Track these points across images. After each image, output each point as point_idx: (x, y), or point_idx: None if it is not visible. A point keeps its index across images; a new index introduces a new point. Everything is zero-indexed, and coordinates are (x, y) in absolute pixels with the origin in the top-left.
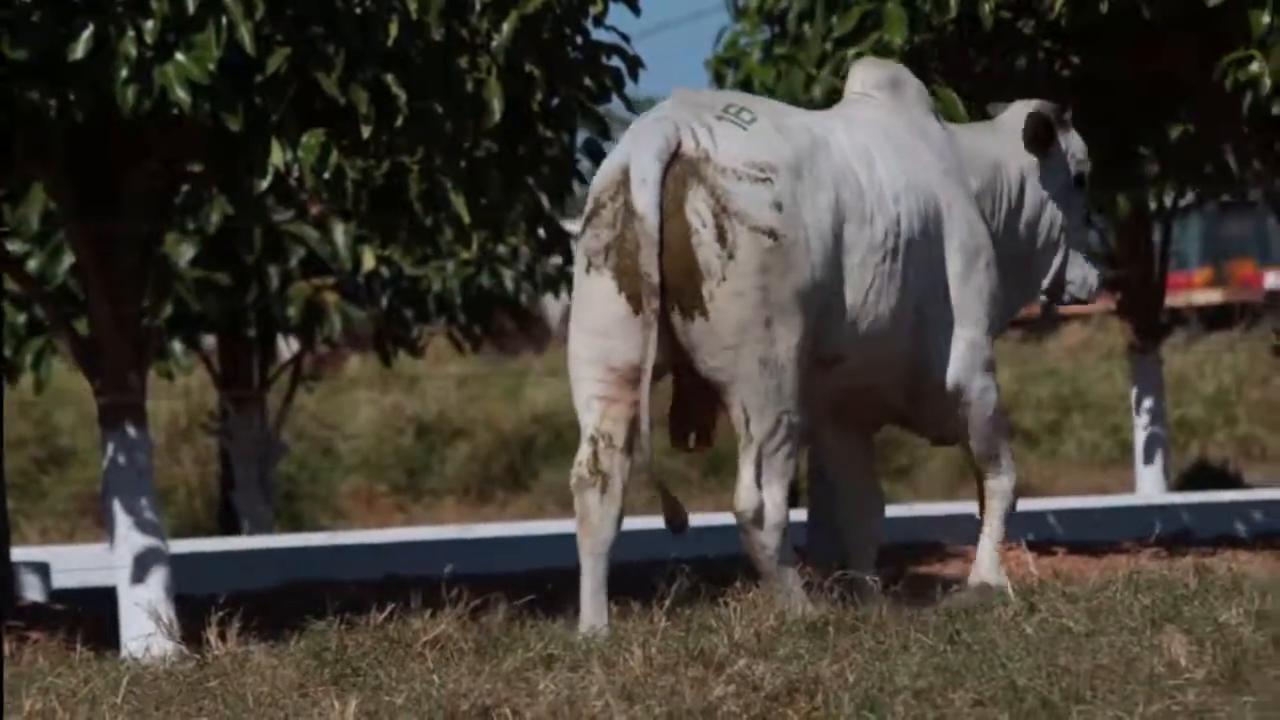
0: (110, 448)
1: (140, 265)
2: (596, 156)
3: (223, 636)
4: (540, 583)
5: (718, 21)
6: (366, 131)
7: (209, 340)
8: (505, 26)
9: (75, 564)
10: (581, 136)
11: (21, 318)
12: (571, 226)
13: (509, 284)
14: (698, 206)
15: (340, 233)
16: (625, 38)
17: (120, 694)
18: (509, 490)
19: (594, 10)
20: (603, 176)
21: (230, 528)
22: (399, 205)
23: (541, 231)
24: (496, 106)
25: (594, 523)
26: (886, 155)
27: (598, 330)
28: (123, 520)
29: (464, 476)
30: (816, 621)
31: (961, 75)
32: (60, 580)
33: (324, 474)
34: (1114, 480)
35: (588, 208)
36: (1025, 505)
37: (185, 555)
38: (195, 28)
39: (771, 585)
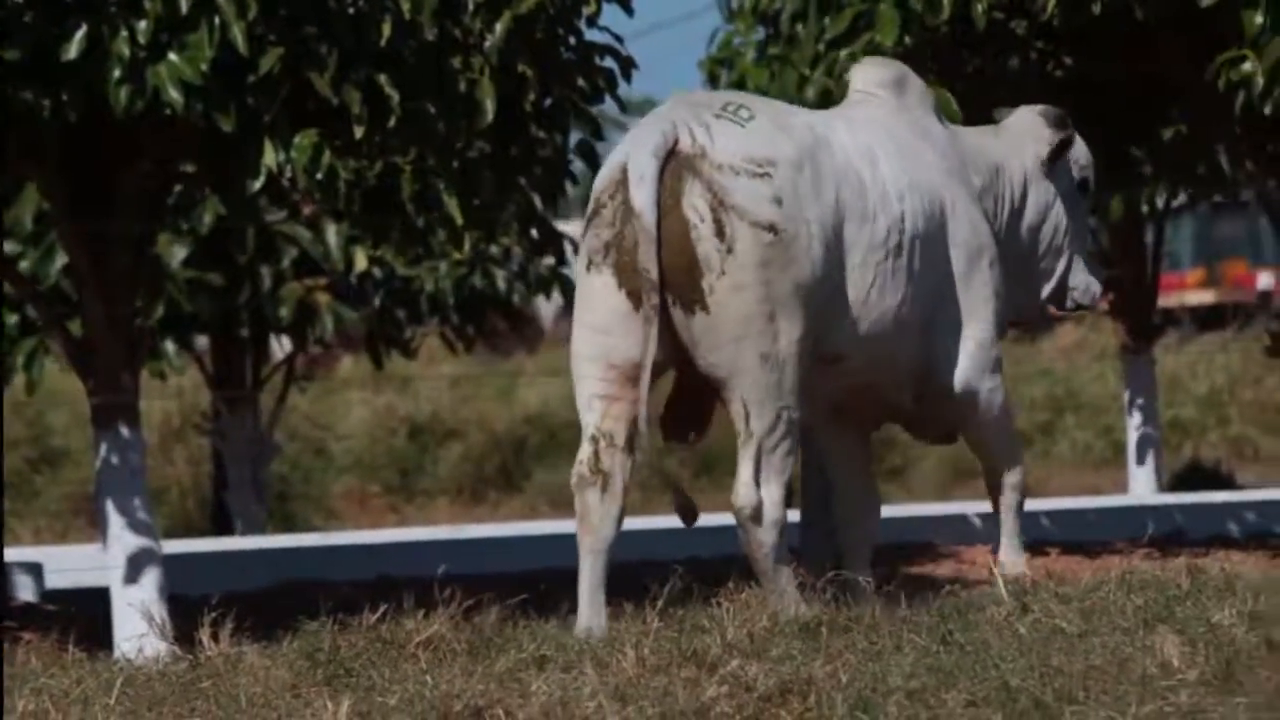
0: (103, 448)
1: (133, 265)
2: (589, 157)
3: (215, 637)
4: (533, 583)
5: (710, 22)
6: (359, 132)
7: (202, 341)
8: (498, 27)
9: (68, 564)
10: (574, 137)
11: (13, 318)
12: (564, 227)
13: (501, 284)
14: (694, 202)
15: (333, 233)
16: (618, 38)
17: (113, 695)
18: (502, 491)
19: (587, 11)
20: (603, 177)
21: (223, 528)
22: (391, 206)
23: (534, 232)
24: (489, 107)
25: (594, 521)
26: (890, 154)
27: (598, 327)
28: (115, 520)
29: (457, 477)
30: (809, 622)
31: (955, 76)
32: (53, 581)
33: (317, 474)
34: (1107, 481)
35: (589, 208)
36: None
37: (178, 555)
38: (188, 28)
39: (766, 583)
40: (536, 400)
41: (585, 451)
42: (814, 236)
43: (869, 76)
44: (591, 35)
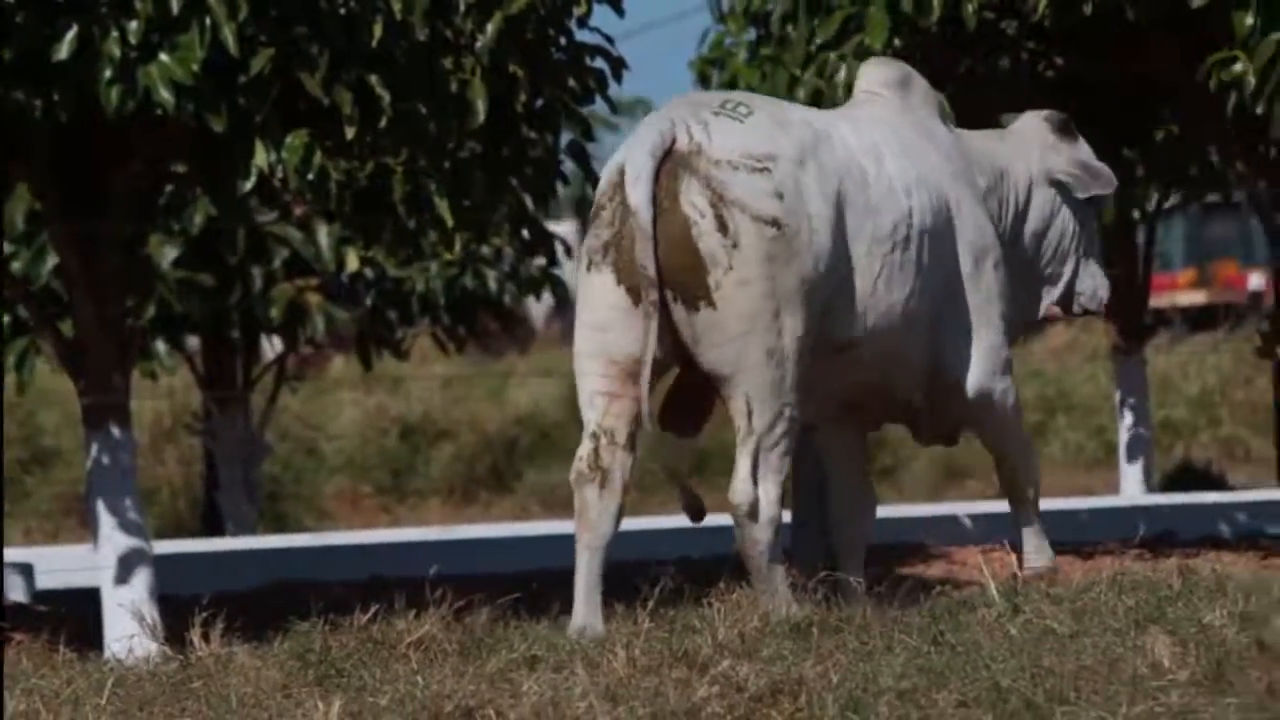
0: (94, 448)
1: (124, 266)
2: (580, 158)
3: (206, 637)
4: (525, 584)
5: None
6: (350, 132)
7: (193, 341)
8: (489, 27)
9: (59, 565)
10: (565, 138)
11: (5, 319)
12: (554, 228)
13: (493, 285)
14: (693, 198)
15: (324, 234)
16: (609, 39)
17: (104, 695)
18: (493, 491)
19: (578, 11)
20: (603, 178)
21: (214, 528)
22: (383, 206)
23: (525, 233)
24: (480, 107)
25: (592, 518)
26: (895, 152)
27: (598, 325)
28: (106, 521)
29: (448, 477)
30: (800, 622)
31: (945, 77)
32: (44, 581)
33: (308, 475)
34: (1098, 481)
35: (591, 210)
36: (1008, 505)
37: (169, 556)
38: (179, 28)
39: (759, 582)
40: (528, 401)
41: (585, 448)
42: (816, 231)
43: (873, 77)
44: (582, 36)
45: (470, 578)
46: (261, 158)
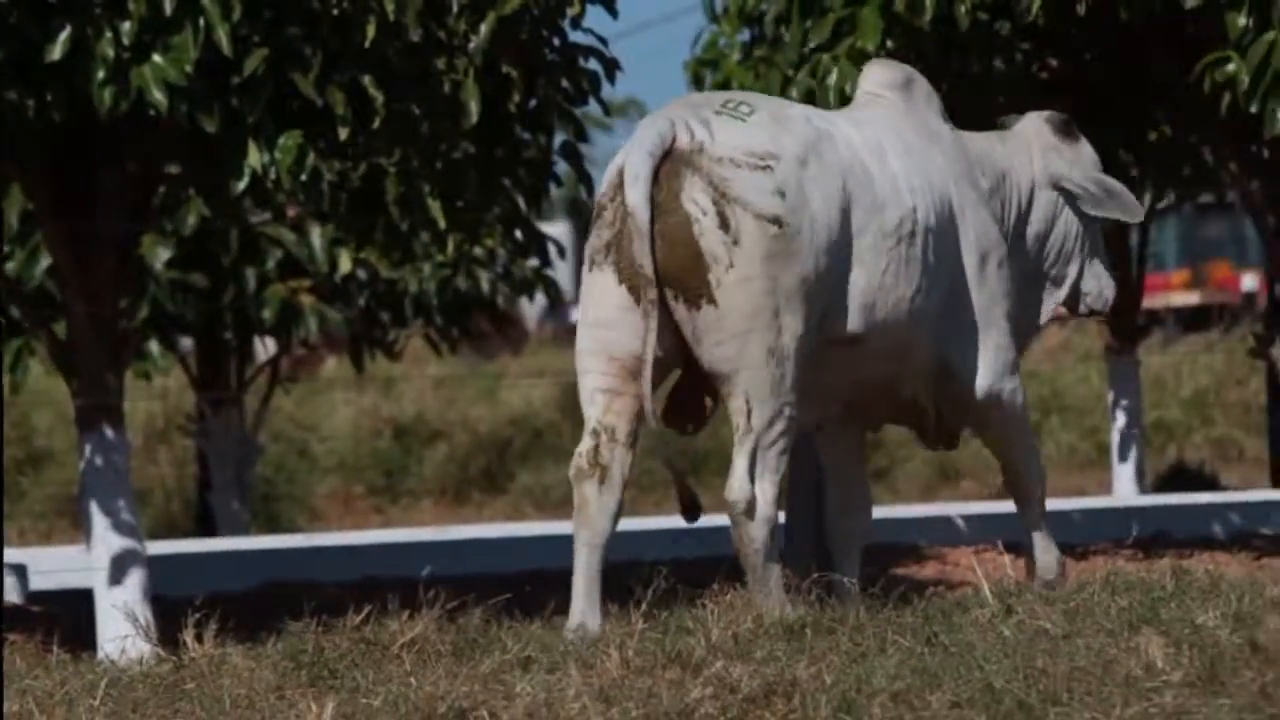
0: (87, 449)
1: (117, 266)
2: (573, 159)
3: (199, 638)
4: (518, 584)
5: (694, 23)
6: (344, 133)
7: (186, 342)
8: (483, 28)
9: (52, 565)
10: (559, 139)
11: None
12: (548, 229)
13: (485, 286)
14: (695, 196)
15: (317, 235)
16: (602, 40)
17: (97, 696)
18: (486, 492)
19: (571, 12)
20: (605, 179)
21: (207, 529)
22: (376, 207)
23: (518, 233)
24: (474, 108)
25: (591, 514)
26: (899, 152)
27: (600, 323)
28: (100, 522)
29: (441, 478)
30: (794, 623)
31: (939, 78)
32: (37, 582)
33: (301, 475)
34: (1091, 482)
35: (594, 210)
36: (1001, 507)
37: (162, 557)
38: (172, 29)
39: (754, 581)
40: (520, 401)
41: (585, 444)
42: (818, 231)
43: (876, 78)
44: (575, 37)
45: (463, 578)
46: (255, 158)
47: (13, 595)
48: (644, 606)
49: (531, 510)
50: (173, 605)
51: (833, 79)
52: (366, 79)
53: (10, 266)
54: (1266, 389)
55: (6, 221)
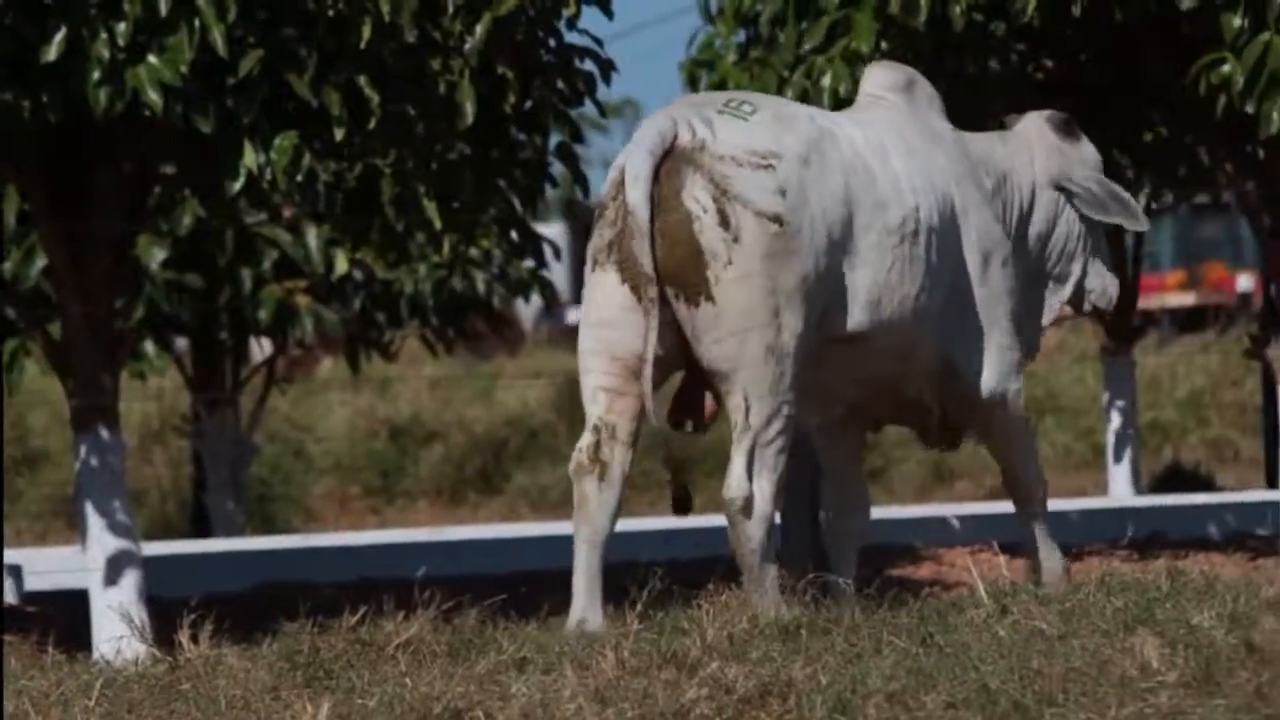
0: (83, 450)
1: (113, 267)
2: (569, 160)
3: (195, 639)
4: (513, 585)
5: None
6: (339, 134)
7: (181, 342)
8: (478, 29)
9: (47, 566)
10: (554, 140)
11: None
12: (544, 229)
13: (481, 287)
14: (696, 194)
15: (313, 236)
16: (598, 41)
17: (92, 697)
18: (481, 493)
19: (567, 13)
20: (608, 179)
21: (203, 530)
22: (371, 208)
23: (514, 234)
24: (469, 109)
25: (590, 511)
26: (901, 152)
27: (602, 322)
28: (95, 522)
29: (437, 479)
30: (789, 624)
31: (935, 79)
32: (32, 583)
33: (297, 476)
34: (1086, 482)
35: (596, 210)
36: (996, 507)
37: (158, 557)
38: (167, 30)
39: (750, 579)
40: (516, 402)
41: (586, 440)
42: (819, 230)
43: (878, 80)
44: (571, 38)
45: (459, 579)
46: (250, 159)
47: (8, 596)
48: (639, 607)
49: (527, 511)
50: (168, 606)
51: (827, 81)
52: (362, 80)
53: (6, 267)
54: (1262, 390)
55: (2, 222)
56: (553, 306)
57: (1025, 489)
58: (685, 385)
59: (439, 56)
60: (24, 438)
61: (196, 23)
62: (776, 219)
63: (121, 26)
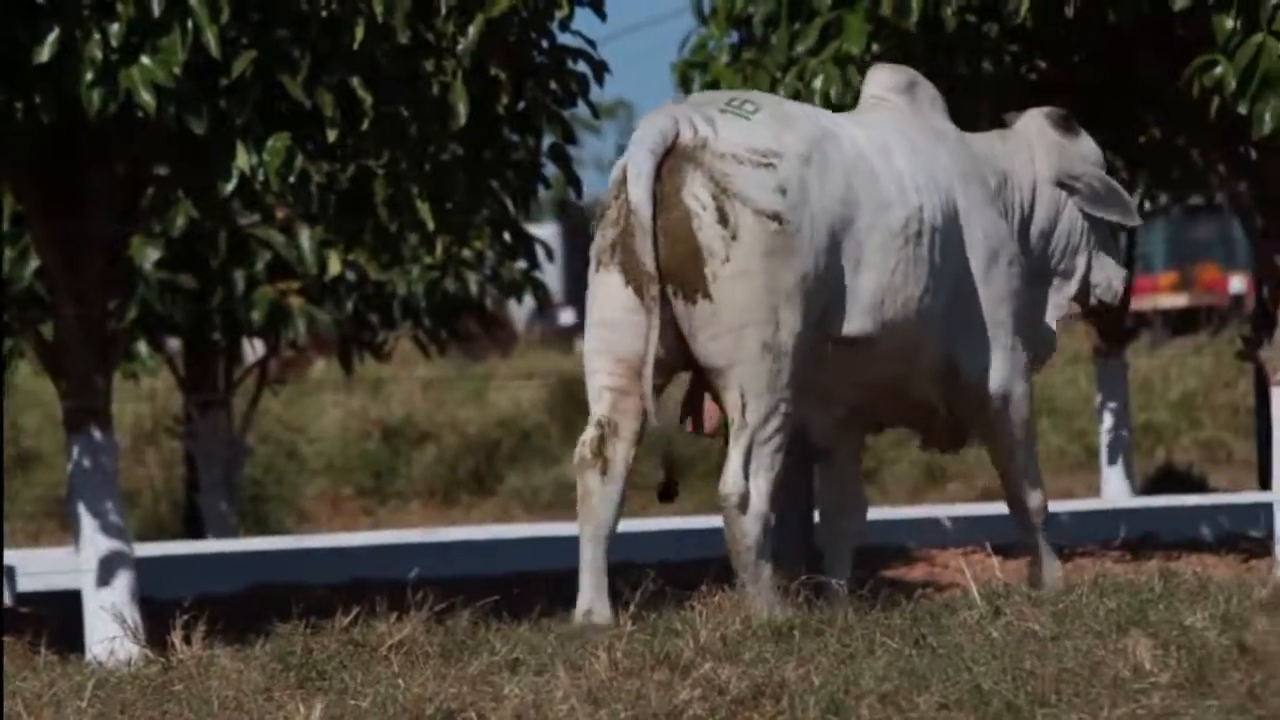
0: (75, 451)
1: (106, 268)
2: (562, 161)
3: (188, 640)
4: (506, 586)
5: (681, 26)
6: (332, 135)
7: (174, 343)
8: (471, 30)
9: (40, 567)
10: (547, 141)
11: None
12: (537, 231)
13: (474, 288)
14: (696, 191)
15: (306, 237)
16: (591, 42)
17: (85, 697)
18: (474, 494)
19: (559, 14)
20: (611, 178)
21: (195, 531)
22: (365, 209)
23: (506, 235)
24: (462, 110)
25: (594, 505)
26: (905, 153)
27: (606, 324)
28: (88, 523)
29: (429, 480)
30: (782, 625)
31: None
32: (25, 584)
33: (289, 477)
34: (1079, 484)
35: (598, 211)
36: (990, 509)
37: (150, 558)
38: (160, 31)
39: (745, 576)
40: (509, 404)
41: (589, 434)
42: (819, 229)
43: (880, 82)
44: (564, 39)
45: (451, 580)
46: (243, 160)
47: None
48: (632, 608)
49: (520, 512)
50: (161, 607)
51: (818, 83)
52: (355, 81)
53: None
54: (1254, 391)
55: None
56: (545, 308)
57: (1024, 494)
58: (691, 387)
59: (432, 58)
60: (17, 439)
61: (189, 24)
62: (776, 217)
63: (114, 27)
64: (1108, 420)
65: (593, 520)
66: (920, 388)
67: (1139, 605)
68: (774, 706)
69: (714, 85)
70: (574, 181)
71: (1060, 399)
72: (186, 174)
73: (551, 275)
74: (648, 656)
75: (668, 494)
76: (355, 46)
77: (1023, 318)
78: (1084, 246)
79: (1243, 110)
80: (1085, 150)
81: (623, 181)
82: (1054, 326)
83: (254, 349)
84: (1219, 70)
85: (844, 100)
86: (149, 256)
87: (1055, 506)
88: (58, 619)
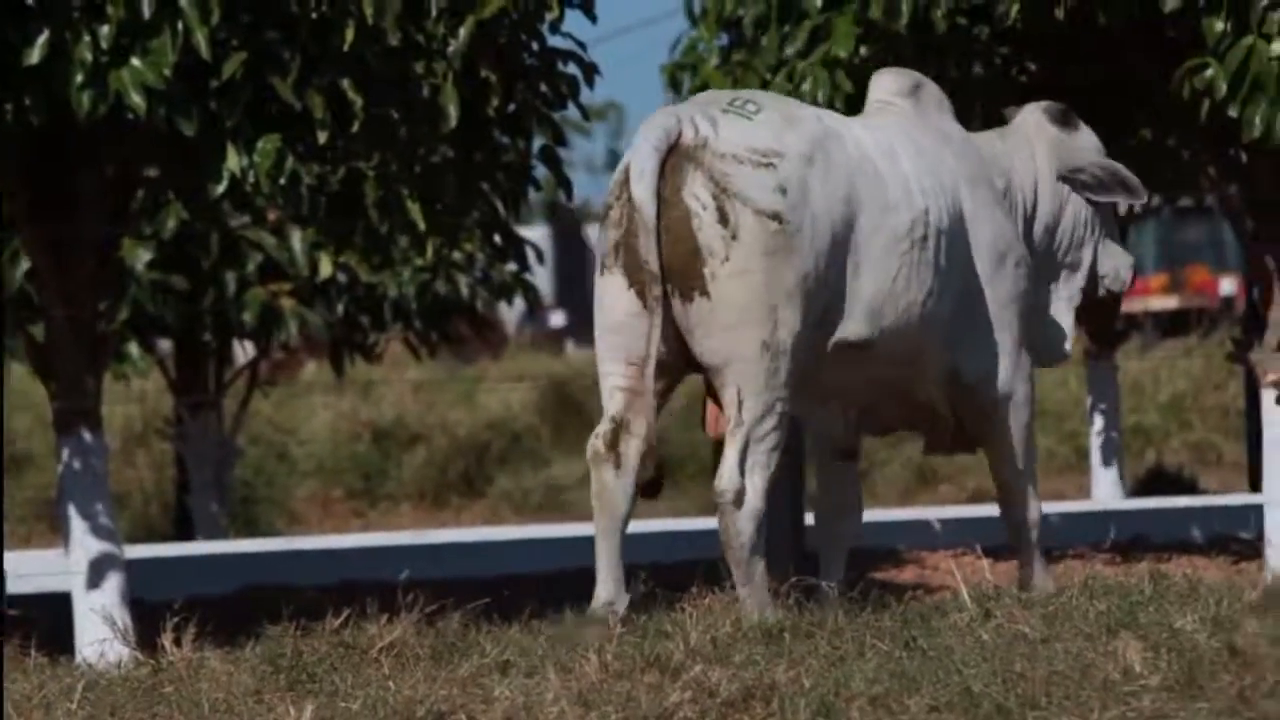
0: (65, 453)
1: (96, 270)
2: (552, 163)
3: (178, 642)
4: (496, 588)
5: (671, 28)
6: (322, 137)
7: (164, 345)
8: (461, 32)
9: (30, 569)
10: (537, 143)
11: None
12: (527, 233)
13: (464, 290)
14: (696, 190)
15: (297, 239)
16: (581, 44)
17: (75, 700)
18: (464, 496)
19: (550, 16)
20: (613, 180)
21: (186, 533)
22: (355, 211)
23: (497, 238)
24: (452, 112)
25: (608, 499)
26: (911, 155)
27: (612, 328)
28: (78, 525)
29: (419, 482)
30: (773, 627)
31: None
32: (15, 586)
33: (280, 479)
34: (1070, 486)
35: (602, 214)
36: (981, 511)
37: (141, 560)
38: (150, 33)
39: (739, 574)
40: (499, 406)
41: (603, 428)
42: (820, 230)
43: (885, 86)
44: (554, 41)
45: (442, 582)
46: (233, 162)
47: None
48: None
49: (510, 514)
50: (151, 609)
51: (807, 86)
52: (345, 83)
53: None
54: (1245, 393)
55: None
56: (536, 310)
57: (1020, 505)
58: (706, 390)
59: (422, 59)
60: (7, 441)
61: (179, 25)
62: (776, 217)
63: (104, 29)
64: (1098, 422)
65: (608, 513)
66: (924, 390)
67: (1129, 607)
68: (764, 709)
69: (703, 87)
70: (564, 184)
71: (1051, 401)
72: (177, 176)
73: (542, 277)
74: (638, 659)
75: (652, 489)
76: (345, 48)
77: (1028, 319)
78: (1089, 237)
79: (1233, 113)
80: (1085, 143)
81: (625, 181)
82: (1068, 327)
83: (245, 351)
84: (1209, 73)
85: (832, 103)
86: (140, 258)
87: (1046, 508)
88: (47, 621)
